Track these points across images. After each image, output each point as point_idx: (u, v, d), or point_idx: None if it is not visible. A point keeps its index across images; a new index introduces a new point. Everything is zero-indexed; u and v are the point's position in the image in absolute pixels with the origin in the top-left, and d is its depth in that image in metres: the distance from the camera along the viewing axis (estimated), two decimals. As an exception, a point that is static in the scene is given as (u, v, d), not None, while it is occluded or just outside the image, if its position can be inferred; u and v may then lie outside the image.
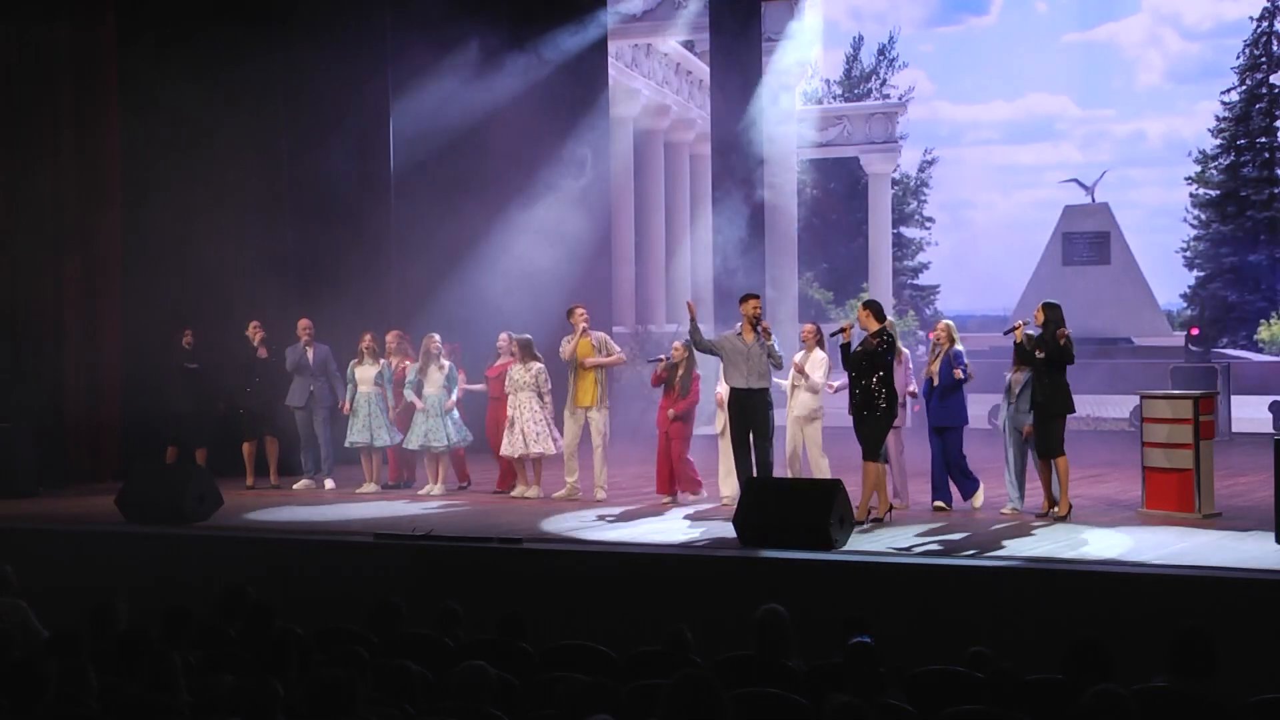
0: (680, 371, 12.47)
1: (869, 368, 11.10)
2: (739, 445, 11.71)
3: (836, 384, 12.08)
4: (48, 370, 14.89)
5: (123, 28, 15.25)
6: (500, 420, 13.31)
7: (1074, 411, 11.45)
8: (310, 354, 14.05)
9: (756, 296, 11.93)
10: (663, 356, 12.82)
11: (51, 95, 15.03)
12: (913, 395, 12.33)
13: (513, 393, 13.06)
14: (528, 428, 12.92)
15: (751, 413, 11.64)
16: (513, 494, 13.18)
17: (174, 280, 15.25)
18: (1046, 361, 11.14)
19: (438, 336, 13.74)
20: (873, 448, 11.14)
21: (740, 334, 11.71)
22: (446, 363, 13.59)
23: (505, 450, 13.11)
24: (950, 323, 12.11)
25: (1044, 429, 11.22)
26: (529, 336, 13.33)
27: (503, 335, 13.75)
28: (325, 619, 8.18)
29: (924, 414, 12.15)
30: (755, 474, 11.54)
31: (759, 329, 11.55)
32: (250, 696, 5.40)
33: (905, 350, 12.32)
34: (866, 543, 10.20)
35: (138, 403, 14.96)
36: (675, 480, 12.54)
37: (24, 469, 13.93)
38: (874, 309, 11.43)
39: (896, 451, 11.90)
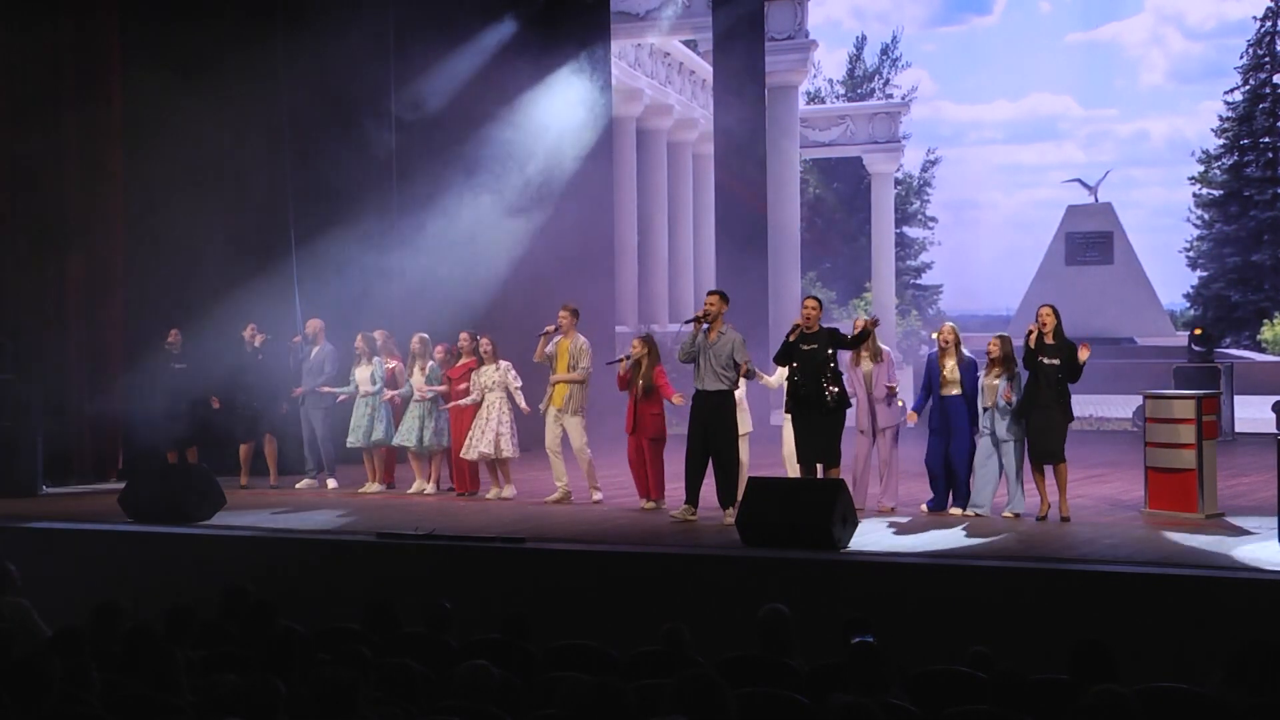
0: (644, 368, 12.13)
1: (826, 365, 11.06)
2: (693, 450, 11.48)
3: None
4: (51, 369, 14.89)
5: (124, 21, 15.25)
6: (464, 422, 13.21)
7: (1072, 419, 11.40)
8: (313, 354, 14.07)
9: (715, 293, 11.63)
10: (623, 356, 12.48)
11: (54, 93, 15.02)
12: (892, 391, 11.94)
13: (484, 393, 12.99)
14: (495, 429, 12.84)
15: (707, 416, 11.39)
16: (489, 496, 13.07)
17: (177, 277, 15.25)
18: (1059, 368, 11.09)
19: (425, 335, 13.75)
20: (838, 451, 11.16)
21: (705, 332, 11.43)
22: (431, 363, 13.59)
23: (467, 453, 12.96)
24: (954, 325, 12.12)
25: (1047, 430, 11.14)
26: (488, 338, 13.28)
27: (463, 334, 13.54)
28: (327, 618, 8.18)
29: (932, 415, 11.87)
30: (718, 484, 11.43)
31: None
32: (252, 696, 5.41)
33: (888, 349, 12.27)
34: (869, 543, 10.19)
35: (142, 402, 14.96)
36: (651, 483, 12.25)
37: (27, 468, 13.93)
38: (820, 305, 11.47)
39: (888, 451, 11.86)
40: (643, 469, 12.23)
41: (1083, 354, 11.14)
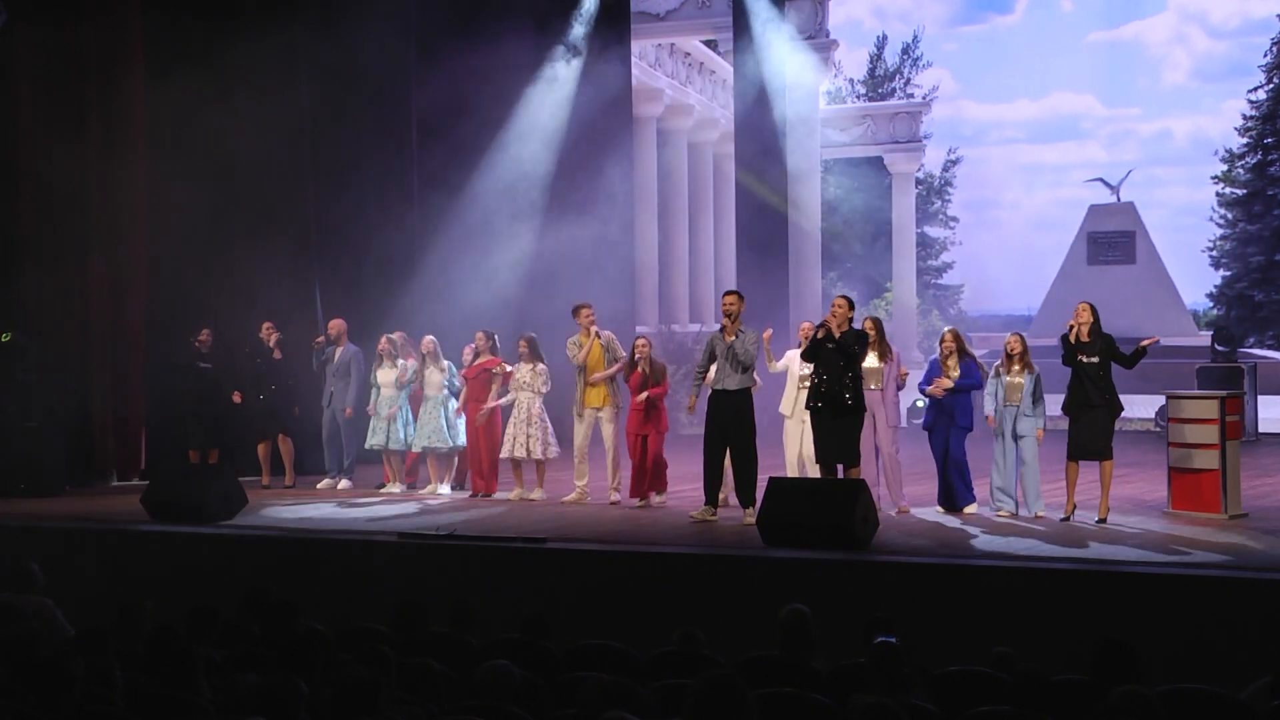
0: (648, 370, 12.37)
1: (845, 365, 11.07)
2: (711, 451, 11.48)
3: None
4: (75, 369, 14.97)
5: (146, 22, 15.30)
6: (478, 422, 13.23)
7: (1121, 411, 11.33)
8: (336, 354, 14.10)
9: (731, 292, 11.67)
10: (635, 355, 12.57)
11: (77, 95, 15.08)
12: (903, 377, 12.00)
13: (515, 392, 12.99)
14: (527, 429, 12.82)
15: (724, 416, 11.40)
16: (511, 496, 13.05)
17: (199, 279, 15.29)
18: (1100, 364, 11.02)
19: (433, 338, 13.73)
20: (857, 451, 11.16)
21: (721, 332, 11.53)
22: (447, 363, 13.58)
23: (504, 452, 12.98)
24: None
25: (1098, 429, 11.06)
26: (534, 335, 13.28)
27: (479, 334, 13.51)
28: (349, 618, 8.21)
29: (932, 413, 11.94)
30: (736, 483, 11.48)
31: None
32: (274, 695, 5.42)
33: (895, 348, 12.27)
34: (890, 542, 10.16)
35: (163, 402, 15.04)
36: (648, 481, 12.39)
37: (51, 468, 14.01)
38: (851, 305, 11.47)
39: (888, 450, 11.85)
40: (641, 466, 12.40)
41: (1146, 344, 11.22)
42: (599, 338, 12.76)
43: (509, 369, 13.16)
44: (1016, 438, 11.34)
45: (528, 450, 12.84)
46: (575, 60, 18.59)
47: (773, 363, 12.51)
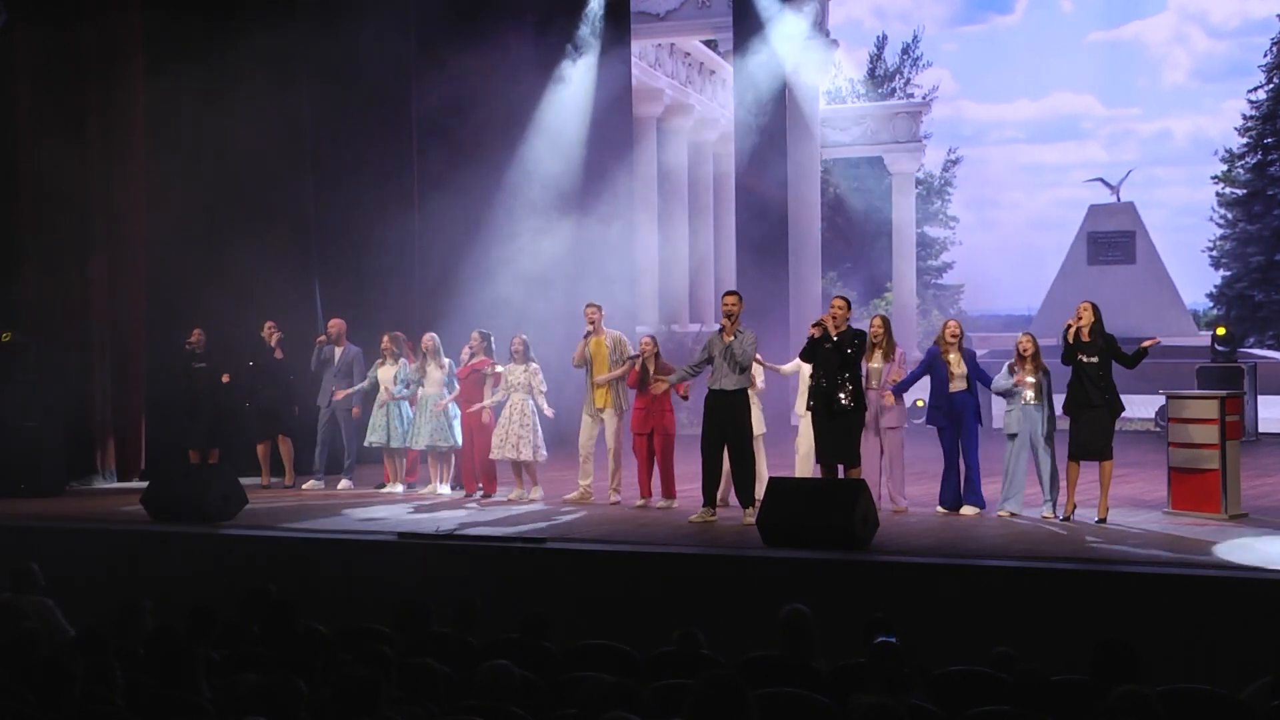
0: (652, 369, 12.33)
1: (842, 365, 11.05)
2: (709, 451, 11.44)
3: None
4: (75, 370, 14.96)
5: (146, 20, 15.30)
6: (472, 423, 13.22)
7: (1122, 410, 11.33)
8: (337, 354, 14.09)
9: (732, 293, 11.64)
10: (635, 354, 12.59)
11: (77, 95, 15.09)
12: (893, 384, 11.78)
13: (508, 393, 12.96)
14: (518, 431, 12.79)
15: (723, 416, 11.37)
16: (511, 496, 13.03)
17: (199, 278, 15.29)
18: (1101, 364, 11.02)
19: (434, 335, 13.72)
20: (856, 451, 11.14)
21: (720, 333, 11.53)
22: (447, 360, 13.57)
23: (495, 453, 12.94)
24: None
25: (1099, 429, 11.07)
26: (526, 336, 13.23)
27: (474, 334, 13.43)
28: (349, 618, 8.21)
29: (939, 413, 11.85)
30: (736, 483, 11.47)
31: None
32: (274, 695, 5.42)
33: (902, 349, 12.24)
34: (890, 542, 10.16)
35: (163, 402, 15.04)
36: (660, 484, 12.40)
37: (51, 468, 14.02)
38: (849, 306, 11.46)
39: (893, 450, 11.82)
40: (648, 467, 12.39)
41: (1148, 344, 11.22)
42: (596, 336, 12.72)
43: (499, 369, 13.14)
44: (1041, 437, 11.33)
45: (518, 451, 12.83)
46: (579, 60, 18.60)
47: (780, 368, 12.48)
